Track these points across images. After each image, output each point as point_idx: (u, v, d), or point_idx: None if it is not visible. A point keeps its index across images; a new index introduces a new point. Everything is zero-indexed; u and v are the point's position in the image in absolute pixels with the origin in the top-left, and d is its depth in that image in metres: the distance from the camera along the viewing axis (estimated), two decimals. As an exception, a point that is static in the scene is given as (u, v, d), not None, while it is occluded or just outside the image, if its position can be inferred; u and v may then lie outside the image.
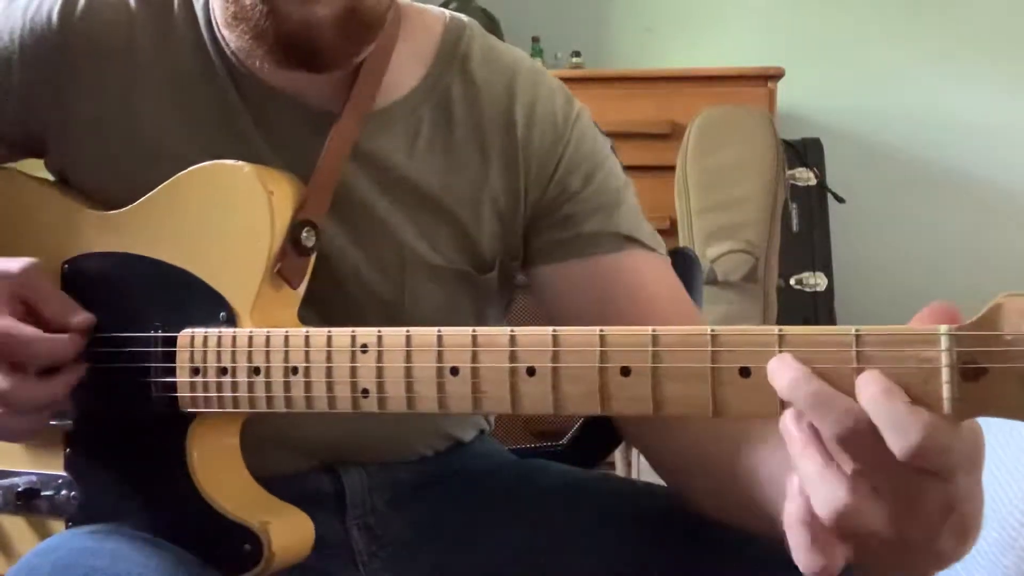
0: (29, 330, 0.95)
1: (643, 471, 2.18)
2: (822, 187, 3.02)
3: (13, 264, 0.98)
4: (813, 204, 3.02)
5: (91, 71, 1.04)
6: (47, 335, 0.96)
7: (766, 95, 2.96)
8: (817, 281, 2.92)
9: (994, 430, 1.90)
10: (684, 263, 1.59)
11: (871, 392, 0.66)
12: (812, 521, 0.66)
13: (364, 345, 0.85)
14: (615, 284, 1.06)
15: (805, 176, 3.02)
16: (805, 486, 0.67)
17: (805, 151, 3.07)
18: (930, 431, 0.63)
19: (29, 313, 0.98)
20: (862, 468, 0.65)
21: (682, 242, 2.69)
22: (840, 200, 3.01)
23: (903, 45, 3.40)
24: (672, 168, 2.78)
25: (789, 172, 2.89)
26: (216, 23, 1.04)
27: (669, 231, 2.79)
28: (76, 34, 1.04)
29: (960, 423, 0.66)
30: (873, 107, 3.41)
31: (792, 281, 2.91)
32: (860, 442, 0.65)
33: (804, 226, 2.99)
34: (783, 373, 0.68)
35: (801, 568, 0.67)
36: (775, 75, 2.98)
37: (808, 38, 3.44)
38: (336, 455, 1.08)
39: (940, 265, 3.26)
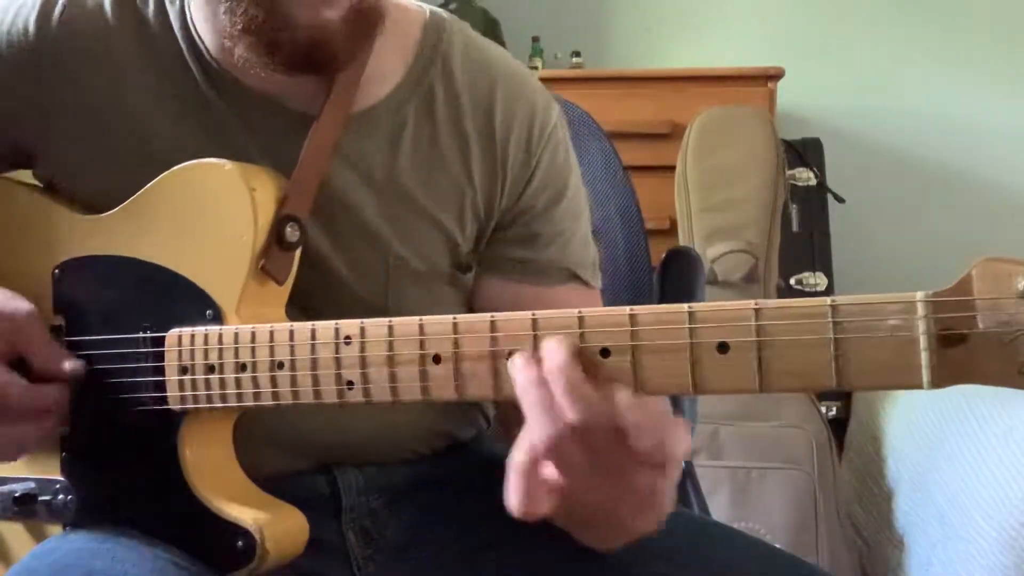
0: (8, 378, 0.97)
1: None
2: (822, 187, 3.01)
3: (20, 308, 0.99)
4: (813, 204, 3.00)
5: (70, 79, 1.04)
6: (30, 386, 0.98)
7: (766, 95, 2.95)
8: (817, 281, 2.92)
9: (995, 431, 1.90)
10: (686, 263, 1.59)
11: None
12: (529, 470, 0.76)
13: (348, 337, 0.86)
14: None
15: (805, 176, 3.00)
16: (530, 416, 0.76)
17: (805, 151, 3.05)
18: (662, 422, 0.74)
19: (15, 355, 0.99)
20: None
21: (682, 242, 2.69)
22: (840, 200, 3.00)
23: (903, 45, 3.40)
24: (672, 168, 2.77)
25: (789, 172, 2.88)
26: (193, 26, 1.04)
27: (669, 231, 2.79)
28: (54, 43, 1.04)
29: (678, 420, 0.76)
30: (873, 107, 3.40)
31: (792, 281, 2.90)
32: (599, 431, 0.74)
33: (804, 226, 2.97)
34: (554, 355, 0.76)
35: (512, 508, 0.77)
36: (775, 75, 2.97)
37: (808, 38, 3.43)
38: (332, 455, 1.08)
39: (940, 265, 3.23)
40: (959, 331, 0.66)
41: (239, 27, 0.96)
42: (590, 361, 0.76)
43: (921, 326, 0.67)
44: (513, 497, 0.77)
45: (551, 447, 0.75)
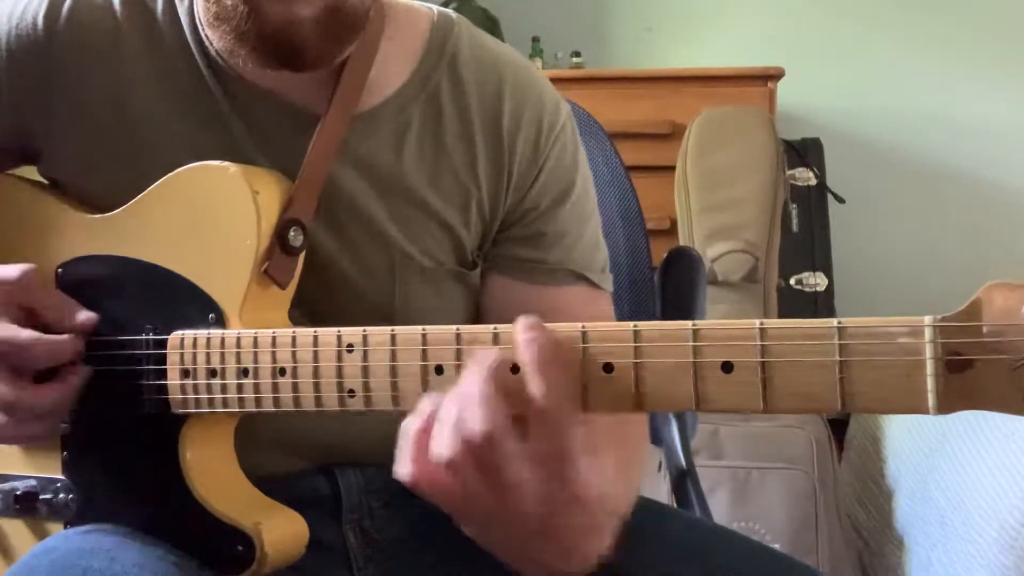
0: (27, 334, 0.96)
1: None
2: (822, 187, 3.01)
3: (12, 271, 0.98)
4: (813, 204, 3.00)
5: (77, 75, 1.04)
6: (46, 337, 0.97)
7: (766, 95, 2.95)
8: (817, 281, 2.92)
9: (995, 432, 1.90)
10: (687, 263, 1.59)
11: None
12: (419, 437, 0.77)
13: (350, 345, 0.86)
14: (553, 314, 1.07)
15: (805, 176, 3.00)
16: (464, 399, 0.75)
17: (805, 151, 3.05)
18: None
19: (30, 318, 0.98)
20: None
21: (682, 242, 2.69)
22: (840, 200, 3.00)
23: (903, 45, 3.40)
24: (672, 168, 2.77)
25: (789, 172, 2.88)
26: (201, 25, 1.04)
27: (669, 231, 2.79)
28: (61, 39, 1.04)
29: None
30: (873, 107, 3.40)
31: (792, 281, 2.90)
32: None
33: (804, 226, 2.97)
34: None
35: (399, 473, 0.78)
36: (775, 75, 2.97)
37: (808, 38, 3.43)
38: (332, 456, 1.08)
39: (940, 265, 3.25)
40: (966, 356, 0.65)
41: (212, 14, 0.97)
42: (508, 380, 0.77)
43: (928, 350, 0.66)
44: (402, 462, 0.79)
45: (451, 463, 0.75)
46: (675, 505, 1.55)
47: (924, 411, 0.67)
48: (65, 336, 0.98)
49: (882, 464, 2.36)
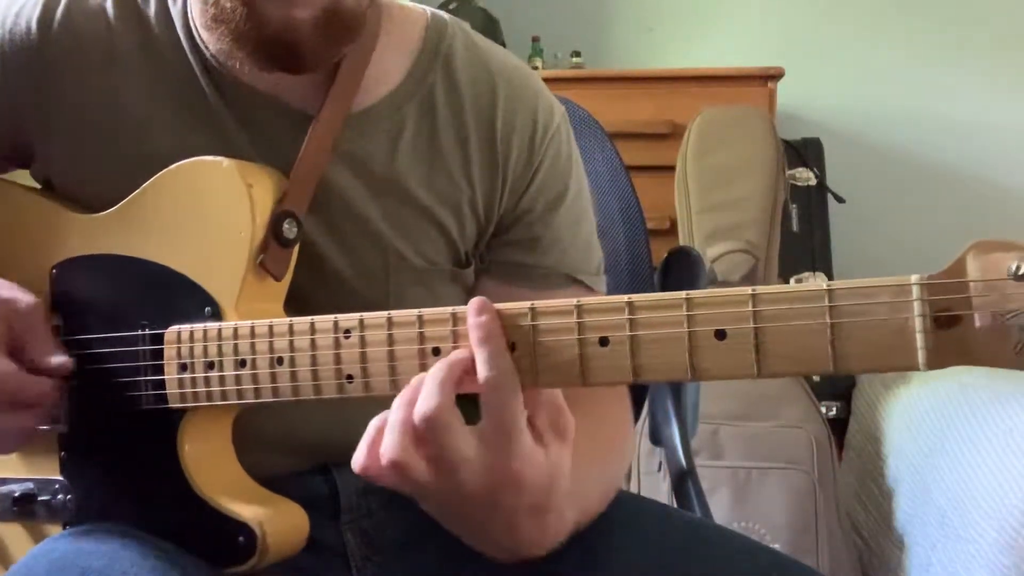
0: (8, 366, 0.97)
1: (641, 480, 2.18)
2: (822, 187, 3.02)
3: (23, 300, 0.99)
4: (813, 204, 3.01)
5: (72, 78, 1.04)
6: (25, 377, 0.97)
7: (766, 95, 2.95)
8: (817, 281, 2.92)
9: (995, 431, 1.90)
10: (687, 263, 1.59)
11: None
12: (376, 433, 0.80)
13: (347, 330, 0.86)
14: None
15: (805, 176, 3.01)
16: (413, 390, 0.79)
17: (805, 151, 3.06)
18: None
19: (13, 343, 0.98)
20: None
21: (682, 242, 2.69)
22: (840, 200, 3.00)
23: (903, 45, 3.40)
24: (672, 168, 2.77)
25: (789, 172, 2.88)
26: (195, 26, 1.04)
27: (669, 231, 2.79)
28: (55, 42, 1.05)
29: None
30: (873, 107, 3.40)
31: (792, 281, 2.90)
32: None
33: (804, 226, 2.98)
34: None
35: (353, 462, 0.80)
36: (775, 75, 2.97)
37: (808, 38, 3.43)
38: (330, 455, 1.08)
39: (940, 265, 3.24)
40: (954, 312, 0.67)
41: (210, 16, 0.97)
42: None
43: (916, 308, 0.68)
44: (360, 449, 0.81)
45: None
46: (675, 505, 1.55)
47: (915, 367, 0.68)
48: (40, 380, 0.98)
49: (882, 464, 2.36)
